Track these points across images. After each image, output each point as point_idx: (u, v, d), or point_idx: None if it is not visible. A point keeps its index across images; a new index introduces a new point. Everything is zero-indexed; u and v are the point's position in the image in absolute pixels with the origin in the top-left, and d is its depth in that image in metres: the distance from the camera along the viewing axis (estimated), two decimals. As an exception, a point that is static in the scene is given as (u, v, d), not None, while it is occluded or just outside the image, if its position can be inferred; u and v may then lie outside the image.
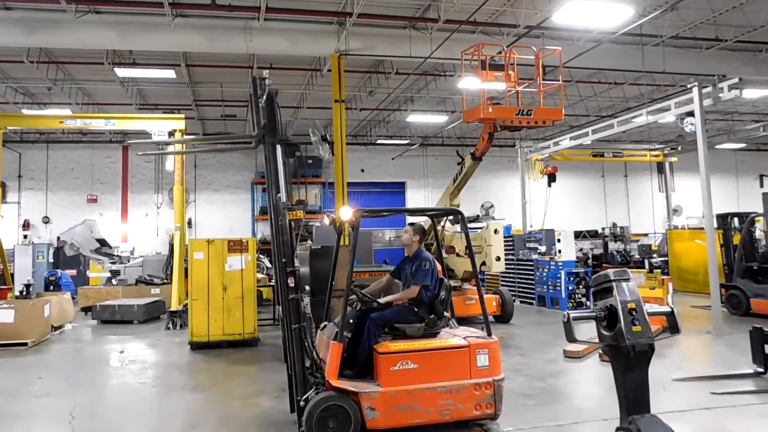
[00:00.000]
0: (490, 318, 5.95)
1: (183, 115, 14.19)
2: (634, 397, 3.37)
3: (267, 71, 5.76)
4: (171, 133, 13.89)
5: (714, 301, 10.54)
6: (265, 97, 5.52)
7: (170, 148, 12.82)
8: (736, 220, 13.18)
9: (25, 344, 10.20)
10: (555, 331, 10.82)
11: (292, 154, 5.69)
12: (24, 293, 12.79)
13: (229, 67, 15.54)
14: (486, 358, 5.42)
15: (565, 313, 3.46)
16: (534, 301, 14.68)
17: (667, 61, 14.39)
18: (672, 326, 3.51)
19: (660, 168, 23.68)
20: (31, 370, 8.62)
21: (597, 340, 3.86)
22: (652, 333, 3.33)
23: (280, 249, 5.35)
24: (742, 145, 26.44)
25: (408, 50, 13.28)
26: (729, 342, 9.52)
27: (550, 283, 14.07)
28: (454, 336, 5.64)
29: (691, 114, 11.73)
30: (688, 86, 11.25)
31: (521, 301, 15.01)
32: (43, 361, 9.41)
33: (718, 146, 23.03)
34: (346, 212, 5.67)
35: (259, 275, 14.05)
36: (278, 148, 5.54)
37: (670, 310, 3.58)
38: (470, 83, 12.60)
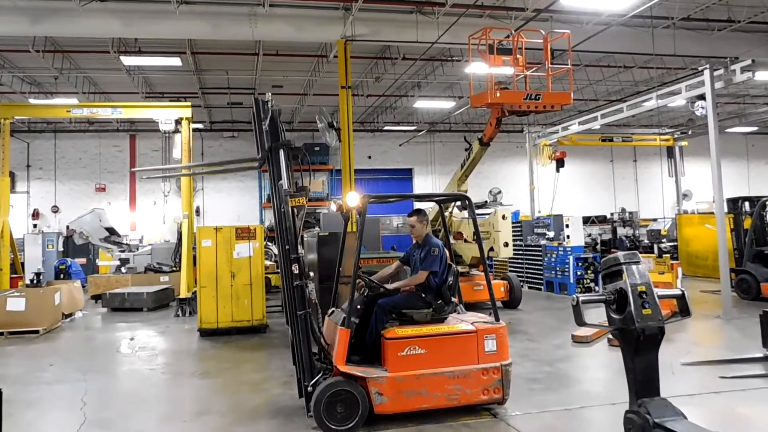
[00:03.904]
0: (498, 304, 5.92)
1: (189, 103, 14.18)
2: (643, 380, 3.34)
3: (270, 94, 5.65)
4: (178, 121, 13.90)
5: (724, 285, 10.47)
6: (269, 120, 5.42)
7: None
8: (747, 204, 13.05)
9: (37, 332, 10.30)
10: (563, 316, 10.80)
11: (294, 157, 5.68)
12: (34, 282, 12.93)
13: (235, 54, 15.48)
14: (494, 343, 5.41)
15: (574, 296, 3.43)
16: (542, 287, 14.65)
17: (678, 43, 14.17)
18: (683, 309, 3.48)
19: (670, 152, 23.47)
20: (42, 358, 8.71)
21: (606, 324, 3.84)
22: (663, 316, 3.29)
23: (283, 236, 5.34)
24: (754, 129, 26.12)
25: (415, 35, 13.15)
26: (739, 326, 9.46)
27: (558, 269, 14.03)
28: (461, 321, 5.63)
29: (702, 97, 11.59)
30: (699, 69, 11.10)
31: (529, 287, 15.00)
32: (54, 348, 9.51)
33: (729, 130, 22.79)
34: (353, 198, 5.65)
35: (268, 262, 14.09)
36: (281, 151, 5.52)
37: (680, 293, 3.54)
38: (478, 68, 12.50)
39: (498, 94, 9.36)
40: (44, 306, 10.68)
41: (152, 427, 5.55)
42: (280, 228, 5.37)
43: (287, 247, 5.30)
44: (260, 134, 5.49)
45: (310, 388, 5.14)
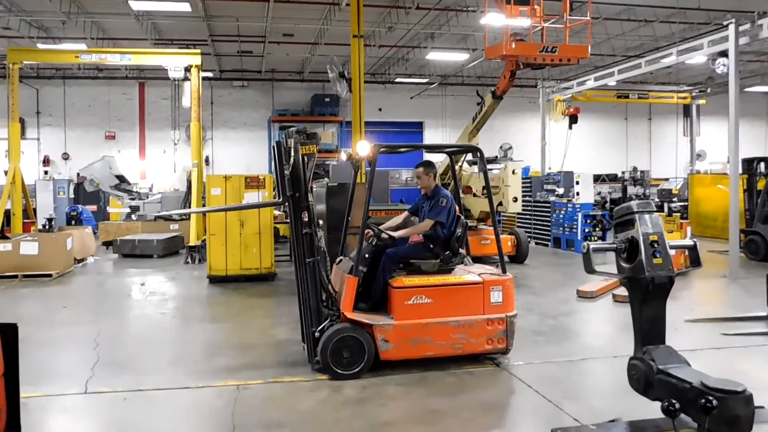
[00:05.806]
0: (505, 258, 5.94)
1: (199, 51, 13.97)
2: (650, 329, 3.37)
3: (293, 141, 5.41)
4: (187, 69, 13.74)
5: (732, 245, 10.43)
6: (291, 167, 5.22)
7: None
8: (762, 164, 12.86)
9: (50, 276, 10.50)
10: (569, 271, 10.85)
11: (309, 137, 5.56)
12: (47, 227, 13.10)
13: (246, 0, 15.11)
14: (499, 295, 5.46)
15: (585, 244, 3.42)
16: (549, 243, 14.68)
17: (703, -4, 13.67)
18: (693, 260, 3.48)
19: (686, 111, 23.01)
20: (55, 300, 8.91)
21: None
22: (673, 266, 3.29)
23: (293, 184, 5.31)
24: (774, 89, 25.46)
25: (429, -17, 12.77)
26: (744, 286, 9.48)
27: (566, 226, 14.01)
28: (468, 272, 5.66)
29: (724, 54, 11.24)
30: (724, 24, 10.72)
31: (537, 243, 15.03)
32: (67, 291, 9.72)
33: (748, 89, 22.22)
34: (363, 147, 5.60)
35: (276, 212, 14.14)
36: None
37: (692, 243, 3.55)
38: (494, 19, 12.16)
39: (513, 46, 9.15)
40: (57, 251, 10.85)
41: (163, 368, 5.69)
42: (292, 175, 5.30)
43: (297, 194, 5.29)
44: (281, 179, 5.31)
45: (317, 334, 5.23)
